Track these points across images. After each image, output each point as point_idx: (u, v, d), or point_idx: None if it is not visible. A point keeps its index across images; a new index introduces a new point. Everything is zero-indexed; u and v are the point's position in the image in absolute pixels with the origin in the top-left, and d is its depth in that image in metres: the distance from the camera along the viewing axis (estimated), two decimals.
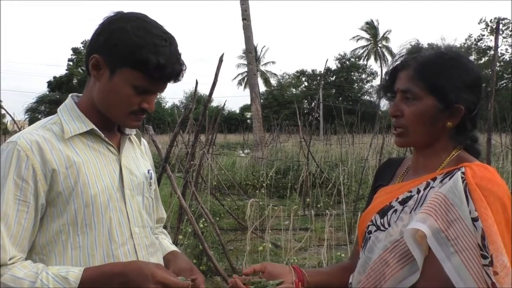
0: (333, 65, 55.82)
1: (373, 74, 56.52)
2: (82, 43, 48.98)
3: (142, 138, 1.47)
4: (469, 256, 0.94)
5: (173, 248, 1.49)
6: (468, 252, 0.95)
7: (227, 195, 8.14)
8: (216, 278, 4.63)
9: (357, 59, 57.06)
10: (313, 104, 48.03)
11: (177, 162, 7.86)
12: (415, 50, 1.18)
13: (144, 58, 1.12)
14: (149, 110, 1.22)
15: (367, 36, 56.97)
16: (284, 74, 60.55)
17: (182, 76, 1.23)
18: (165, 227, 1.62)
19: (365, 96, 54.96)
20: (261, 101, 20.02)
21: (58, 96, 41.96)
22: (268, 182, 8.60)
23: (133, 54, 1.13)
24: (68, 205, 1.15)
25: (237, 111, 57.01)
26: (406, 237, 1.02)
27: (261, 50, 56.49)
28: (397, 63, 1.18)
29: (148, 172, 1.39)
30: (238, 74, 57.39)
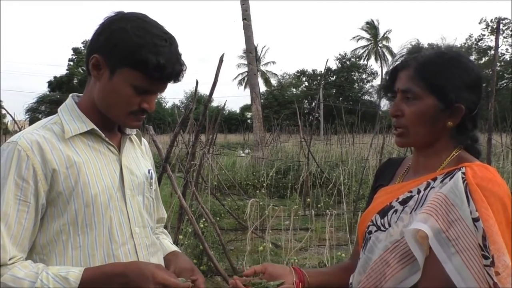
0: (334, 65, 55.91)
1: (373, 74, 56.57)
2: (82, 43, 49.05)
3: (142, 138, 1.47)
4: (470, 257, 0.94)
5: (174, 248, 1.49)
6: (469, 252, 0.94)
7: (227, 195, 8.14)
8: (216, 278, 4.63)
9: (357, 59, 57.08)
10: (313, 104, 48.03)
11: (177, 162, 7.87)
12: (415, 50, 1.18)
13: (144, 58, 1.12)
14: (149, 110, 1.22)
15: (368, 36, 57.00)
16: (285, 74, 60.66)
17: (182, 76, 1.23)
18: (165, 227, 1.62)
19: (366, 96, 54.97)
20: (262, 101, 20.01)
21: (58, 96, 41.98)
22: (269, 182, 8.60)
23: (133, 54, 1.13)
24: (69, 205, 1.16)
25: (238, 111, 57.02)
26: (407, 237, 1.02)
27: (262, 50, 56.56)
28: (397, 63, 1.18)
29: (149, 172, 1.39)
30: (239, 74, 57.46)
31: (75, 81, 46.53)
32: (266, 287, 1.21)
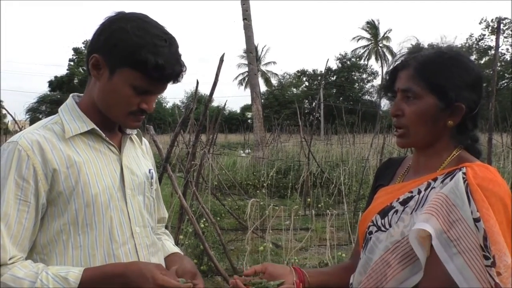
0: (334, 65, 55.82)
1: (373, 74, 56.52)
2: (83, 43, 49.07)
3: (143, 138, 1.47)
4: (472, 257, 0.94)
5: (177, 249, 1.49)
6: (471, 252, 0.94)
7: (227, 195, 8.14)
8: (217, 278, 4.63)
9: (358, 59, 57.05)
10: (314, 104, 47.99)
11: (178, 162, 7.86)
12: (416, 49, 1.18)
13: (143, 59, 1.12)
14: (148, 111, 1.22)
15: (368, 36, 57.00)
16: (285, 74, 60.61)
17: (182, 77, 1.23)
18: (166, 227, 1.62)
19: (366, 96, 54.93)
20: (262, 101, 20.02)
21: (59, 96, 42.03)
22: (269, 182, 8.60)
23: (133, 54, 1.13)
24: (69, 205, 1.16)
25: (238, 111, 57.02)
26: (411, 238, 1.02)
27: (262, 50, 56.56)
28: (397, 62, 1.18)
29: (149, 172, 1.39)
30: (239, 74, 57.46)
31: (76, 81, 46.54)
32: (267, 287, 1.21)
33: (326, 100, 40.88)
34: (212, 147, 8.51)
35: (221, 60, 4.08)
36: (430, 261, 1.00)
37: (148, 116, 1.37)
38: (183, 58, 1.22)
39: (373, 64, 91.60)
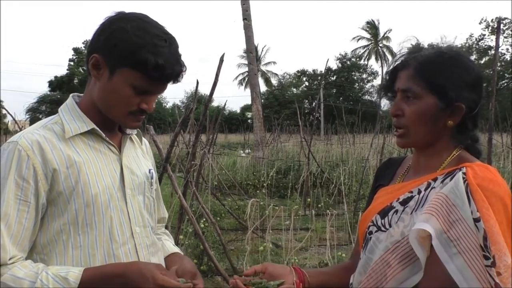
0: (334, 65, 55.82)
1: (373, 74, 56.53)
2: (83, 43, 49.07)
3: (143, 138, 1.47)
4: (472, 257, 0.94)
5: (177, 249, 1.49)
6: (471, 252, 0.94)
7: (227, 195, 8.14)
8: (217, 278, 4.63)
9: (358, 59, 57.05)
10: (314, 104, 48.00)
11: (178, 162, 7.86)
12: (416, 49, 1.18)
13: (143, 59, 1.12)
14: (148, 111, 1.22)
15: (368, 36, 57.00)
16: (285, 74, 60.60)
17: (182, 77, 1.23)
18: (165, 227, 1.62)
19: (366, 96, 54.92)
20: (262, 101, 20.02)
21: (59, 96, 42.04)
22: (269, 182, 8.60)
23: (133, 54, 1.13)
24: (69, 205, 1.16)
25: (238, 111, 57.02)
26: (411, 238, 1.02)
27: (262, 50, 56.56)
28: (397, 62, 1.18)
29: (149, 172, 1.39)
30: (239, 74, 57.46)
31: (76, 81, 46.55)
32: (266, 287, 1.21)
33: (326, 100, 40.88)
34: (212, 147, 8.51)
35: (221, 60, 4.08)
36: (430, 261, 1.00)
37: (148, 116, 1.37)
38: (183, 58, 1.22)
39: (373, 64, 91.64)
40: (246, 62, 18.78)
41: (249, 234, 4.34)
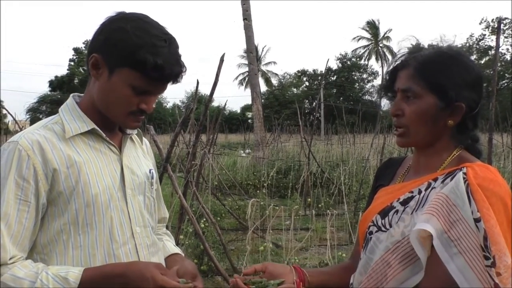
0: (334, 65, 55.78)
1: (374, 74, 56.50)
2: (83, 43, 49.10)
3: (143, 138, 1.47)
4: (473, 257, 0.94)
5: (178, 250, 1.49)
6: (472, 252, 0.94)
7: (228, 195, 8.14)
8: (217, 278, 4.64)
9: (358, 59, 57.04)
10: (314, 104, 47.98)
11: (178, 162, 7.87)
12: (416, 49, 1.18)
13: (142, 59, 1.12)
14: (147, 111, 1.22)
15: (368, 36, 56.98)
16: (285, 74, 60.61)
17: (182, 77, 1.22)
18: (166, 227, 1.62)
19: (366, 96, 54.89)
20: (262, 101, 20.02)
21: (59, 96, 42.04)
22: (269, 182, 8.60)
23: (132, 54, 1.12)
24: (69, 205, 1.16)
25: (238, 111, 57.03)
26: (412, 238, 1.02)
27: (262, 50, 56.56)
28: (397, 62, 1.18)
29: (150, 172, 1.39)
30: (239, 74, 57.48)
31: (76, 81, 46.56)
32: (267, 286, 1.20)
33: (326, 100, 40.87)
34: (212, 147, 8.51)
35: (221, 60, 4.08)
36: (430, 261, 1.00)
37: (149, 116, 1.37)
38: (183, 58, 1.22)
39: (373, 64, 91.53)
40: (246, 62, 18.79)
41: (249, 234, 4.34)
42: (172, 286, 1.10)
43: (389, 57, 52.70)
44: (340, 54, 56.86)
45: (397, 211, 1.12)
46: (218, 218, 6.29)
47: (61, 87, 46.83)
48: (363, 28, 57.25)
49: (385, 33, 56.25)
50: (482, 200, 0.96)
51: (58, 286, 1.07)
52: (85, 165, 1.19)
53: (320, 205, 7.46)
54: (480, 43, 38.64)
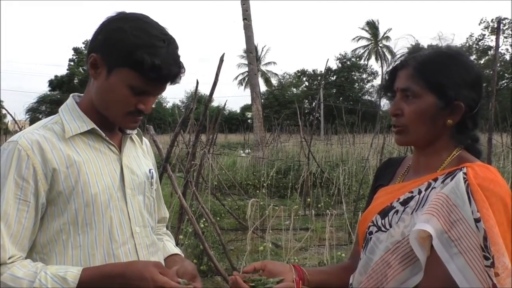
0: (334, 65, 55.85)
1: (373, 74, 56.55)
2: (83, 43, 49.09)
3: (143, 138, 1.47)
4: (473, 257, 0.94)
5: (178, 250, 1.49)
6: (472, 252, 0.94)
7: (227, 195, 8.14)
8: (216, 278, 4.64)
9: (357, 59, 57.05)
10: (313, 104, 48.00)
11: (177, 162, 7.86)
12: (415, 49, 1.18)
13: (139, 59, 1.12)
14: (145, 112, 1.22)
15: (368, 36, 56.99)
16: (285, 74, 60.64)
17: (180, 78, 1.22)
18: (166, 227, 1.62)
19: (366, 96, 54.92)
20: (262, 101, 20.02)
21: (59, 96, 42.05)
22: (269, 182, 8.59)
23: (130, 54, 1.12)
24: (69, 204, 1.16)
25: (238, 111, 57.02)
26: (411, 238, 1.02)
27: (262, 50, 56.55)
28: (396, 62, 1.18)
29: (150, 172, 1.39)
30: (239, 74, 57.47)
31: (76, 81, 46.55)
32: (266, 284, 1.20)
33: (326, 100, 40.88)
34: (212, 147, 8.50)
35: (221, 60, 4.08)
36: (430, 261, 1.00)
37: (148, 116, 1.37)
38: (183, 58, 1.22)
39: (373, 64, 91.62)
40: (246, 62, 18.78)
41: (249, 234, 4.33)
42: (172, 287, 1.10)
43: (389, 57, 52.70)
44: (339, 54, 57.03)
45: (397, 211, 1.12)
46: (218, 218, 6.29)
47: (60, 87, 46.83)
48: (362, 28, 57.34)
49: (384, 33, 56.31)
50: (482, 200, 0.96)
51: (57, 286, 1.06)
52: (85, 165, 1.19)
53: (319, 205, 7.46)
54: (479, 43, 38.67)
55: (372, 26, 56.69)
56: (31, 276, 1.07)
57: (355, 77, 56.11)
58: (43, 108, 44.23)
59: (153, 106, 1.26)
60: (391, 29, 58.63)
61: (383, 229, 1.13)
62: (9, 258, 1.08)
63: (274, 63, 67.47)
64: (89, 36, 1.22)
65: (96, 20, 1.20)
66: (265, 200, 7.00)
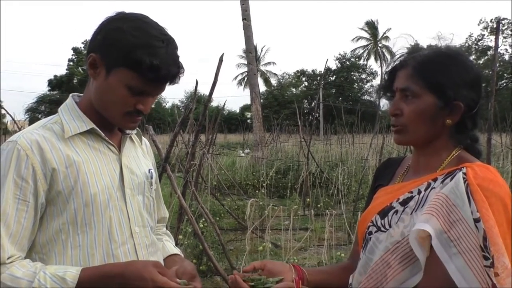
0: (333, 65, 55.90)
1: (373, 74, 56.59)
2: (82, 42, 49.07)
3: (143, 138, 1.47)
4: (472, 257, 0.94)
5: (177, 251, 1.48)
6: (471, 253, 0.94)
7: (227, 195, 8.14)
8: (216, 278, 4.64)
9: (357, 59, 57.07)
10: (313, 104, 48.06)
11: (177, 162, 7.86)
12: (414, 49, 1.18)
13: (138, 59, 1.11)
14: (144, 112, 1.22)
15: (367, 36, 57.01)
16: (284, 74, 60.64)
17: (179, 78, 1.22)
18: (165, 227, 1.62)
19: (365, 96, 54.96)
20: (261, 101, 20.02)
21: (58, 96, 42.04)
22: (268, 182, 8.60)
23: (128, 54, 1.12)
24: (68, 204, 1.15)
25: (237, 111, 57.03)
26: (411, 238, 1.02)
27: (261, 50, 56.55)
28: (396, 63, 1.18)
29: (149, 172, 1.39)
30: (238, 74, 57.46)
31: (75, 81, 46.53)
32: (265, 284, 1.20)
33: (325, 100, 40.87)
34: (211, 147, 8.51)
35: (221, 60, 4.07)
36: (430, 261, 1.00)
37: (148, 116, 1.37)
38: (182, 59, 1.21)
39: (372, 64, 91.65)
40: (246, 62, 18.79)
41: (248, 234, 4.33)
42: (172, 287, 1.10)
43: (388, 57, 52.73)
44: (339, 54, 57.08)
45: (396, 211, 1.12)
46: (217, 218, 6.30)
47: (60, 87, 46.81)
48: (362, 29, 57.35)
49: (384, 33, 56.30)
50: (481, 200, 0.96)
51: (56, 286, 1.06)
52: (84, 165, 1.19)
53: (319, 205, 7.46)
54: (479, 43, 38.71)
55: (371, 26, 56.69)
56: (30, 276, 1.07)
57: (354, 77, 56.13)
58: (43, 108, 44.21)
59: (153, 106, 1.26)
60: (390, 29, 58.53)
61: (382, 229, 1.13)
62: (8, 258, 1.08)
63: (274, 63, 67.53)
64: (88, 36, 1.22)
65: (96, 20, 1.21)
66: (265, 200, 7.00)
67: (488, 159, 4.17)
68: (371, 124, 16.48)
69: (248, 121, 37.45)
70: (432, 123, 1.11)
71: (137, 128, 1.35)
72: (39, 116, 38.50)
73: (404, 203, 1.12)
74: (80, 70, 46.38)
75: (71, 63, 49.05)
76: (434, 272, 0.99)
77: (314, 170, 9.11)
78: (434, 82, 1.09)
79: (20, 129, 6.55)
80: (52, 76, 49.37)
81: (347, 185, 8.25)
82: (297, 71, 59.15)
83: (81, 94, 1.31)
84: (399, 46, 1.22)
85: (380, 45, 56.21)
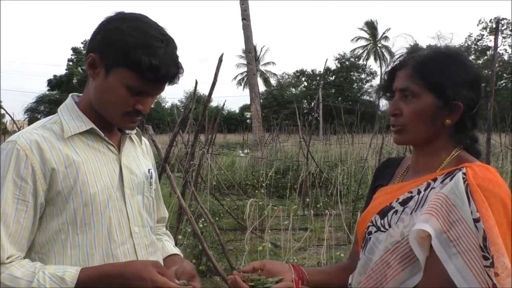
0: (333, 65, 55.88)
1: (372, 74, 56.58)
2: (82, 42, 49.06)
3: (143, 138, 1.47)
4: (472, 257, 0.94)
5: (177, 251, 1.48)
6: (471, 253, 0.94)
7: (226, 195, 8.14)
8: (215, 278, 4.63)
9: (356, 59, 57.08)
10: (312, 104, 48.07)
11: (176, 162, 7.86)
12: (414, 49, 1.18)
13: (137, 59, 1.11)
14: (143, 112, 1.22)
15: (367, 36, 57.03)
16: (284, 74, 60.62)
17: (178, 78, 1.22)
18: (165, 227, 1.62)
19: (365, 96, 54.96)
20: (261, 101, 20.00)
21: (57, 96, 42.03)
22: (268, 182, 8.59)
23: (127, 54, 1.12)
24: (68, 204, 1.15)
25: (237, 111, 57.02)
26: (410, 238, 1.02)
27: (261, 50, 56.55)
28: (395, 63, 1.18)
29: (149, 172, 1.39)
30: (238, 74, 57.45)
31: (75, 80, 46.51)
32: (265, 284, 1.20)
33: (325, 100, 40.89)
34: (211, 147, 8.51)
35: (220, 60, 4.07)
36: (429, 261, 1.00)
37: (147, 116, 1.37)
38: (182, 59, 1.21)
39: (372, 64, 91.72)
40: (245, 62, 18.78)
41: (248, 234, 4.33)
42: (171, 287, 1.09)
43: (388, 57, 52.74)
44: (338, 54, 57.05)
45: (396, 211, 1.12)
46: (217, 218, 6.30)
47: (59, 86, 46.79)
48: (361, 29, 57.39)
49: (383, 33, 56.33)
50: (481, 200, 0.96)
51: (55, 286, 1.06)
52: (84, 165, 1.19)
53: (318, 205, 7.46)
54: (478, 43, 38.74)
55: (370, 26, 56.72)
56: (29, 276, 1.07)
57: (354, 77, 56.13)
58: (42, 108, 44.20)
59: (152, 106, 1.26)
60: (389, 29, 58.46)
61: (382, 229, 1.13)
62: (8, 258, 1.08)
63: (273, 63, 67.55)
64: (88, 36, 1.22)
65: (96, 20, 1.20)
66: (264, 200, 7.00)
67: (488, 159, 4.17)
68: (371, 124, 16.49)
69: (248, 121, 37.45)
70: (431, 123, 1.11)
71: (137, 128, 1.35)
72: (39, 116, 38.48)
73: (404, 203, 1.12)
74: (80, 70, 46.37)
75: (71, 63, 49.03)
76: (434, 272, 0.99)
77: (313, 170, 9.11)
78: (433, 82, 1.09)
79: (19, 129, 6.55)
80: (52, 76, 49.41)
81: (347, 185, 8.25)
82: (297, 71, 59.15)
83: (81, 94, 1.31)
84: (399, 46, 1.22)
85: (379, 45, 56.24)
